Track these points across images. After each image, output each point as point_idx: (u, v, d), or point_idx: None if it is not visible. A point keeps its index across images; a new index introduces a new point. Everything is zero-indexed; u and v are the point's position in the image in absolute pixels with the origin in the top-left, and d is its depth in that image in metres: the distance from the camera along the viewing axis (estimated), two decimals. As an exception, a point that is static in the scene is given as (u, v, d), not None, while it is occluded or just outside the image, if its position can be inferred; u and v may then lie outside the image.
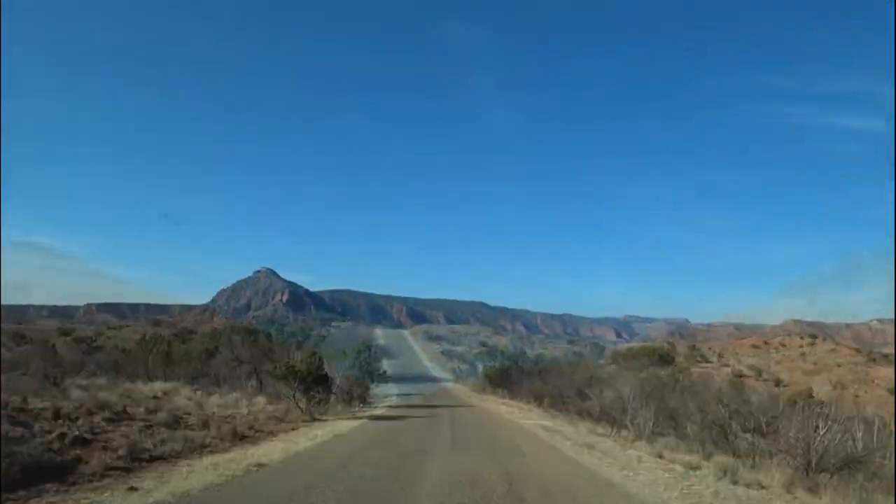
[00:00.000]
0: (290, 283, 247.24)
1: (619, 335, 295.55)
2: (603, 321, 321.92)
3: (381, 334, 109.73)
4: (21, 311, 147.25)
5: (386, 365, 60.69)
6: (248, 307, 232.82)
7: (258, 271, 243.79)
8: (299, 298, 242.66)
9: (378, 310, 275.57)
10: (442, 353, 72.73)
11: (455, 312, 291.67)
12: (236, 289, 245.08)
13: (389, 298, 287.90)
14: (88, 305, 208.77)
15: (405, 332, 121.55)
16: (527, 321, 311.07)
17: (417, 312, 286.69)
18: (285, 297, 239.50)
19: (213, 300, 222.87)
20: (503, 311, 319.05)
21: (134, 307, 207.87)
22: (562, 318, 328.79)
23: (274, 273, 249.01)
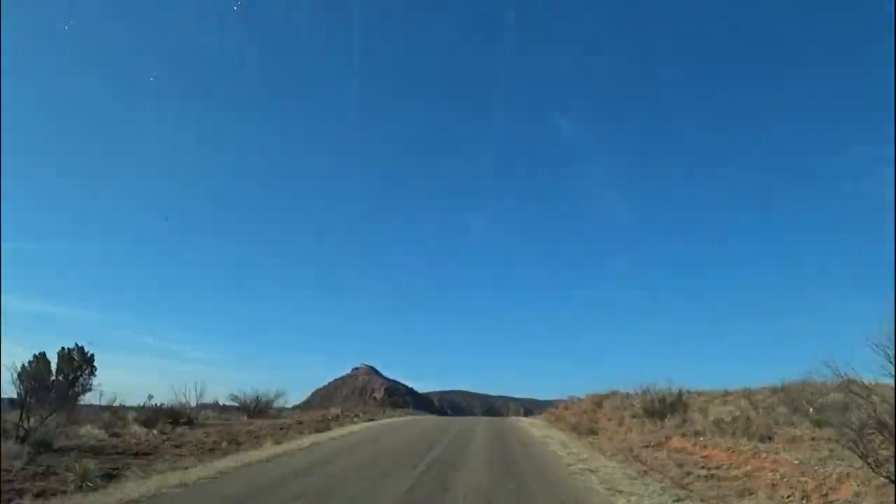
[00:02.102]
0: (391, 381, 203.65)
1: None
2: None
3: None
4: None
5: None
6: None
7: (356, 368, 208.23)
8: (398, 394, 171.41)
9: (492, 411, 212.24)
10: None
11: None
12: (331, 388, 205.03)
13: (505, 399, 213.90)
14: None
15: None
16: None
17: (532, 412, 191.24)
18: (380, 394, 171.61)
19: (309, 400, 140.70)
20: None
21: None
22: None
23: (374, 370, 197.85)
